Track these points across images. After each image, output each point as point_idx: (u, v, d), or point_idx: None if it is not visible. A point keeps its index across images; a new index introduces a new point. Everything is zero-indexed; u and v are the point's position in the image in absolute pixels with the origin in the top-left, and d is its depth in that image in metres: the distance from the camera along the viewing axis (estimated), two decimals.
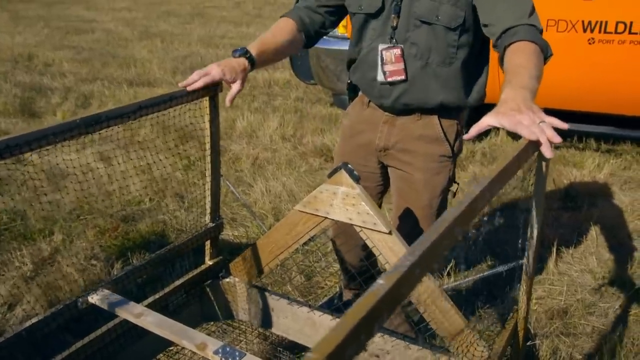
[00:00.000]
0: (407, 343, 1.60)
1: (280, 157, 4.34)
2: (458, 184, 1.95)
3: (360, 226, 1.62)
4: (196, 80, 1.68)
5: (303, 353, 2.18)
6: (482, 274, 1.76)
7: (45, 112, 5.53)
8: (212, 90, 1.78)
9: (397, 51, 1.74)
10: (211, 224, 1.93)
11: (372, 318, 0.65)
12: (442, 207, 1.92)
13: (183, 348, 2.25)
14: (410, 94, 1.78)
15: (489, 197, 1.01)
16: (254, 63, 1.76)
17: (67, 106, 5.67)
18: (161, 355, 2.14)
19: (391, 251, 1.62)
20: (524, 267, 1.41)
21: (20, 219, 3.24)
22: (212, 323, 2.19)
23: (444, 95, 1.78)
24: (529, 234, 1.39)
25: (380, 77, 1.78)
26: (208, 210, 1.91)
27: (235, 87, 1.70)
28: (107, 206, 3.38)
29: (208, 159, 1.82)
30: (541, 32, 1.53)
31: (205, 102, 1.80)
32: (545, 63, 1.50)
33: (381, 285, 0.68)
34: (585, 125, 4.26)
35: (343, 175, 1.63)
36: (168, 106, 1.70)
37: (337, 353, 0.58)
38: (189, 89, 1.68)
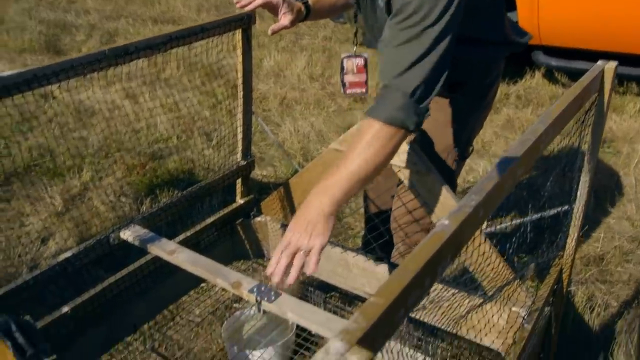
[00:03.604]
0: (444, 286, 1.56)
1: (308, 97, 4.25)
2: (473, 146, 1.80)
3: (398, 166, 1.56)
4: None
5: (333, 293, 2.17)
6: (527, 218, 1.69)
7: (70, 49, 5.47)
8: (245, 22, 1.70)
9: (360, 61, 1.61)
10: (243, 162, 1.88)
11: (437, 261, 0.59)
12: (446, 167, 1.70)
13: (214, 285, 2.26)
14: None
15: (552, 135, 0.93)
16: (309, 11, 1.64)
17: (92, 43, 5.60)
18: (192, 292, 2.15)
19: (429, 192, 1.56)
20: (574, 212, 1.34)
21: (50, 155, 3.24)
22: (242, 261, 2.19)
23: None
24: (581, 178, 1.31)
25: (342, 88, 1.65)
26: (240, 148, 1.86)
27: (285, 20, 1.57)
28: (135, 143, 3.35)
29: (240, 94, 1.76)
30: (413, 92, 1.21)
31: (238, 34, 1.71)
32: (409, 132, 1.26)
33: (446, 226, 0.62)
34: (626, 68, 4.06)
35: None
36: (199, 38, 1.63)
37: (401, 297, 0.53)
38: (247, 9, 1.58)
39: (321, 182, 1.25)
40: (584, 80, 1.13)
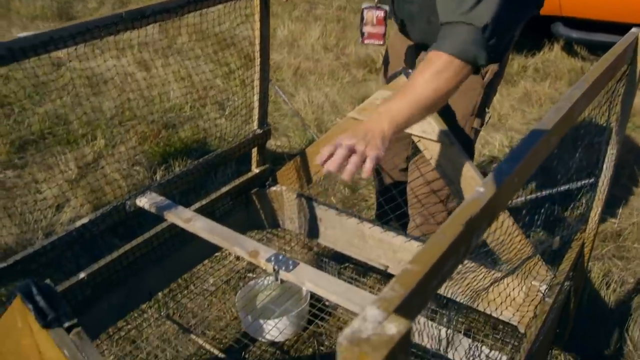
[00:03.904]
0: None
1: (322, 67, 4.19)
2: (489, 112, 1.78)
3: (419, 136, 1.53)
4: None
5: (348, 264, 2.16)
6: (549, 191, 1.65)
7: (83, 16, 5.42)
8: None
9: (380, 13, 1.59)
10: (259, 130, 1.85)
11: (472, 229, 0.57)
12: (463, 136, 1.69)
13: (228, 254, 2.26)
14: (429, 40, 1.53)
15: (586, 104, 0.90)
16: None
17: (105, 10, 5.54)
18: (206, 261, 2.15)
19: (450, 163, 1.53)
20: (599, 186, 1.31)
21: (63, 123, 3.23)
22: (256, 231, 2.18)
23: None
24: (608, 150, 1.28)
25: (360, 37, 1.65)
26: (256, 116, 1.83)
27: None
28: (149, 111, 3.33)
29: (257, 61, 1.72)
30: (484, 28, 1.20)
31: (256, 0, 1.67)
32: (477, 71, 1.26)
33: (482, 193, 0.60)
34: None
35: (402, 80, 1.51)
36: (216, 2, 1.59)
37: (437, 265, 0.51)
38: None
39: (381, 105, 1.19)
40: (617, 48, 1.09)
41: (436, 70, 1.19)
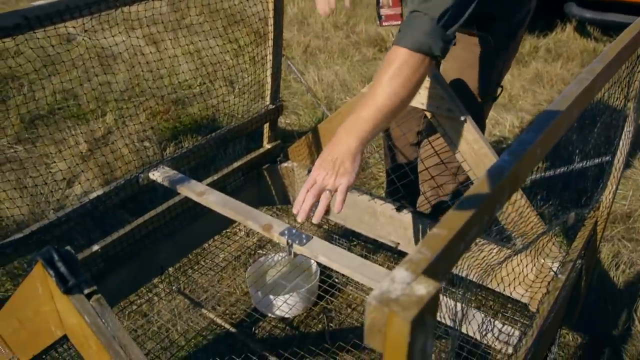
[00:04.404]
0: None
1: (332, 45, 4.16)
2: (502, 87, 1.77)
3: (432, 112, 1.52)
4: None
5: (358, 241, 2.17)
6: (564, 167, 1.65)
7: None
8: None
9: None
10: (271, 106, 1.85)
11: (496, 197, 0.57)
12: (476, 109, 1.67)
13: (238, 231, 2.27)
14: None
15: (607, 77, 0.89)
16: None
17: None
18: (217, 236, 2.17)
19: (464, 139, 1.52)
20: (614, 164, 1.30)
21: (73, 98, 3.23)
22: (266, 207, 2.19)
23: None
24: (625, 128, 1.27)
25: (377, 21, 1.61)
26: (268, 91, 1.82)
27: None
28: (158, 88, 3.33)
29: (270, 35, 1.71)
30: (439, 18, 1.17)
31: None
32: (435, 59, 1.23)
33: (506, 162, 0.60)
34: None
35: None
36: None
37: (463, 231, 0.51)
38: None
39: (348, 118, 1.23)
40: (639, 23, 1.08)
41: (393, 72, 1.18)
